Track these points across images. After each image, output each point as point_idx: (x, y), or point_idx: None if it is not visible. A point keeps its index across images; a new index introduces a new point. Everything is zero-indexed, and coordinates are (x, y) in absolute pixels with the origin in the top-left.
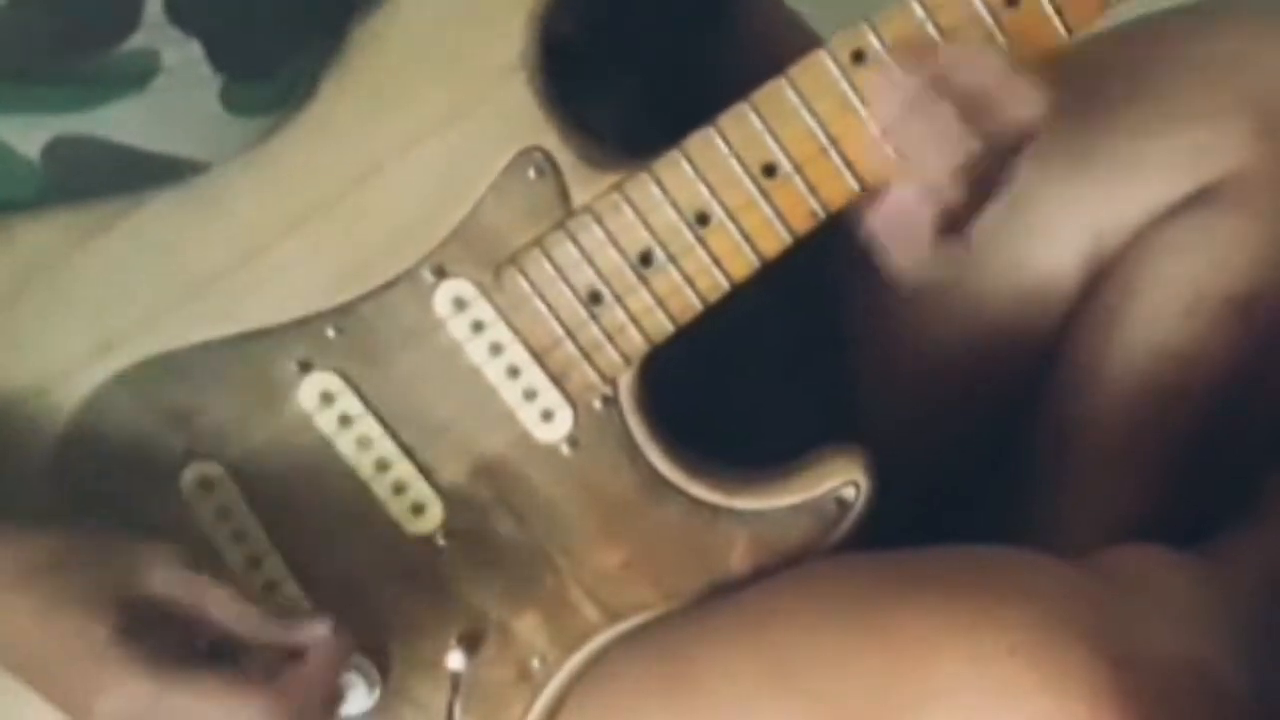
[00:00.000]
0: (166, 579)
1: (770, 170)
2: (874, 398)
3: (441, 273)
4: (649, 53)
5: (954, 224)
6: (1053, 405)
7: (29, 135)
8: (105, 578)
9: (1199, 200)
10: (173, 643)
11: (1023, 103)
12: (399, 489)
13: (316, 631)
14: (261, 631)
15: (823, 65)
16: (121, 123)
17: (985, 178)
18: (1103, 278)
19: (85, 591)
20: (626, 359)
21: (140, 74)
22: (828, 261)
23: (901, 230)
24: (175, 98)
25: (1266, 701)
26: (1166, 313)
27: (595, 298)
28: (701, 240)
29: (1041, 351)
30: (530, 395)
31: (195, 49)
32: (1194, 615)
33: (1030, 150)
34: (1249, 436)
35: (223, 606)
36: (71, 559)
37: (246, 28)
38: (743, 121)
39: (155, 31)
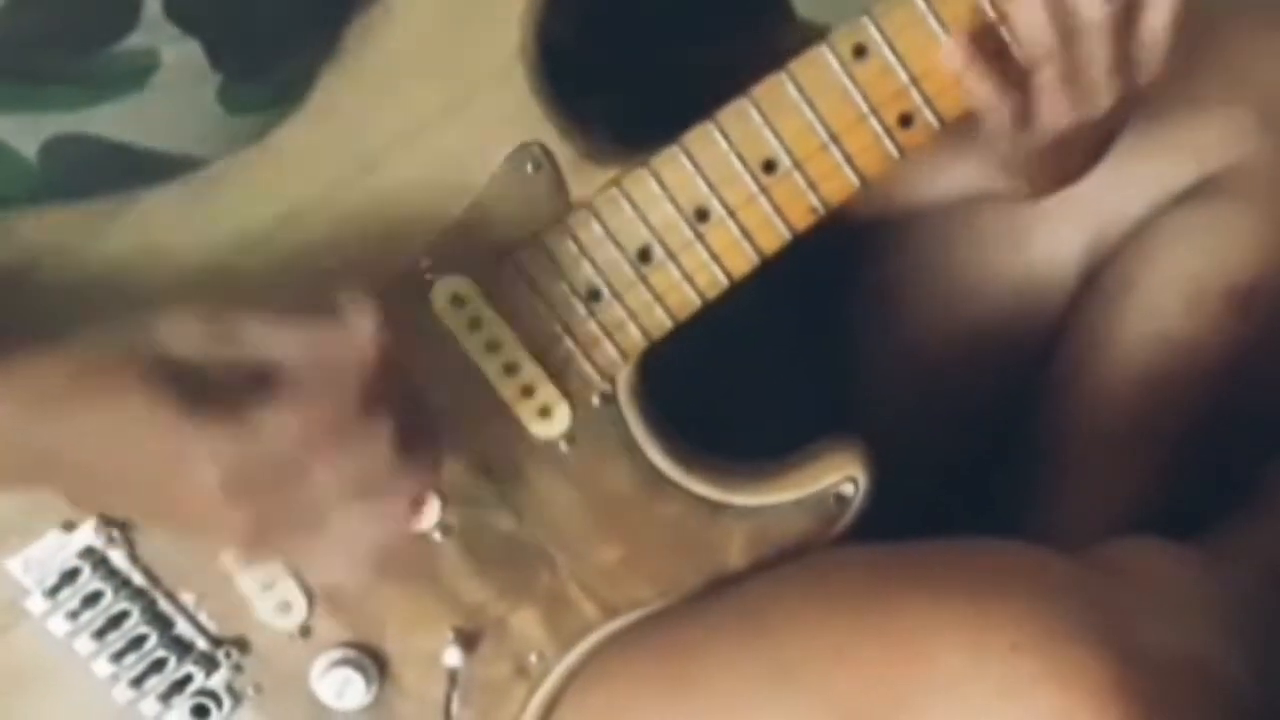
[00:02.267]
0: (197, 333)
1: (770, 166)
2: (873, 391)
3: (439, 268)
4: (648, 49)
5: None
6: (1052, 397)
7: (27, 134)
8: (145, 356)
9: (1200, 191)
10: (230, 393)
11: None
12: None
13: (352, 302)
14: (308, 337)
15: (824, 60)
16: (120, 121)
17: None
18: (1103, 268)
19: (130, 378)
20: (625, 355)
21: (139, 72)
22: (827, 256)
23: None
24: (173, 96)
25: (1267, 693)
26: (1167, 304)
27: (594, 294)
28: (701, 236)
29: (1041, 343)
30: (528, 392)
31: (194, 47)
32: (1194, 608)
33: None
34: (1249, 428)
35: (261, 330)
36: (100, 357)
37: (245, 26)
38: (743, 116)
39: (154, 30)
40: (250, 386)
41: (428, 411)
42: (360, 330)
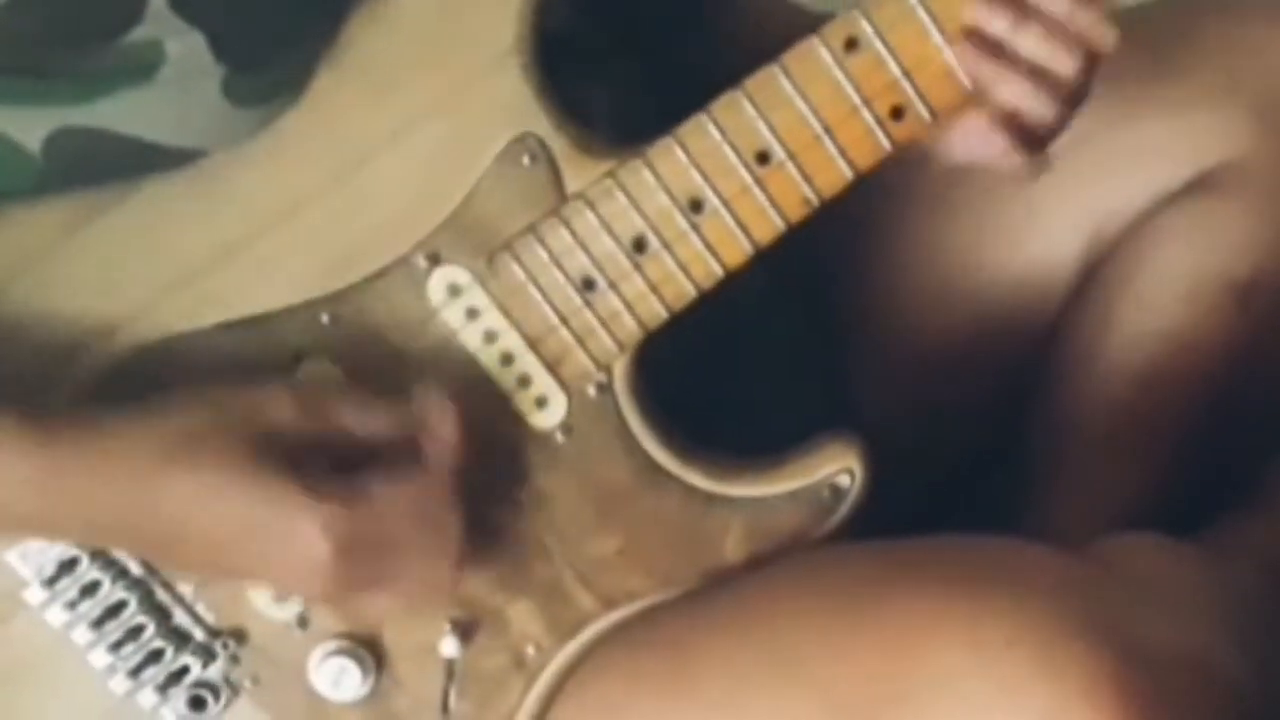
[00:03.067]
0: (293, 407)
1: (764, 157)
2: (871, 385)
3: (435, 260)
4: (642, 39)
5: (1033, 143)
6: (1051, 392)
7: (30, 127)
8: (244, 430)
9: (1199, 186)
10: (326, 467)
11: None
12: None
13: (432, 400)
14: (395, 421)
15: (816, 53)
16: (125, 114)
17: (1072, 95)
18: (1102, 264)
19: (230, 450)
20: (621, 346)
21: (145, 65)
22: (823, 248)
23: (981, 152)
24: (178, 89)
25: (1267, 691)
26: (1166, 299)
27: (589, 284)
28: (695, 227)
29: (1040, 338)
30: (524, 382)
31: (198, 40)
32: (1193, 605)
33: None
34: (1248, 423)
35: (352, 410)
36: (194, 426)
37: (249, 17)
38: (736, 108)
39: (159, 22)
40: (341, 462)
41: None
42: (449, 421)
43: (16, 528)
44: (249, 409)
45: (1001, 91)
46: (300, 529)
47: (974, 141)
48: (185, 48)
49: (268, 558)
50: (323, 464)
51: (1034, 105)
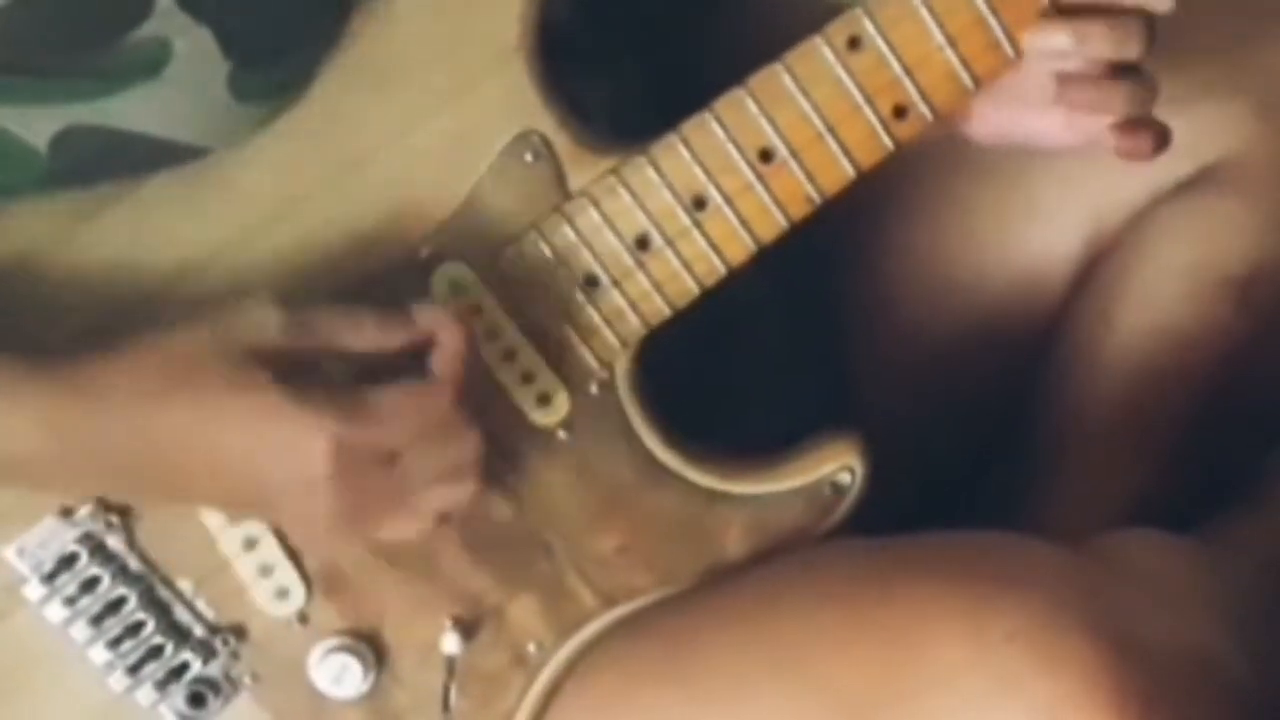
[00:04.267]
0: (286, 323)
1: (767, 155)
2: (870, 382)
3: (439, 256)
4: (644, 36)
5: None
6: (1050, 388)
7: (38, 125)
8: (232, 348)
9: (1198, 182)
10: (323, 383)
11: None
12: None
13: (434, 316)
14: (389, 335)
15: (819, 51)
16: (132, 111)
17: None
18: (1101, 259)
19: (224, 370)
20: (623, 343)
21: (152, 62)
22: (823, 245)
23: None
24: (185, 85)
25: (1265, 685)
26: (1165, 294)
27: (592, 281)
28: (698, 224)
29: (1039, 334)
30: (527, 379)
31: (205, 36)
32: (1192, 600)
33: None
34: (1247, 419)
35: (344, 326)
36: (187, 352)
37: (256, 14)
38: (739, 106)
39: (166, 19)
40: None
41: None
42: (453, 332)
43: (23, 474)
44: (242, 329)
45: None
46: (300, 442)
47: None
48: (192, 44)
49: (269, 478)
50: (319, 380)
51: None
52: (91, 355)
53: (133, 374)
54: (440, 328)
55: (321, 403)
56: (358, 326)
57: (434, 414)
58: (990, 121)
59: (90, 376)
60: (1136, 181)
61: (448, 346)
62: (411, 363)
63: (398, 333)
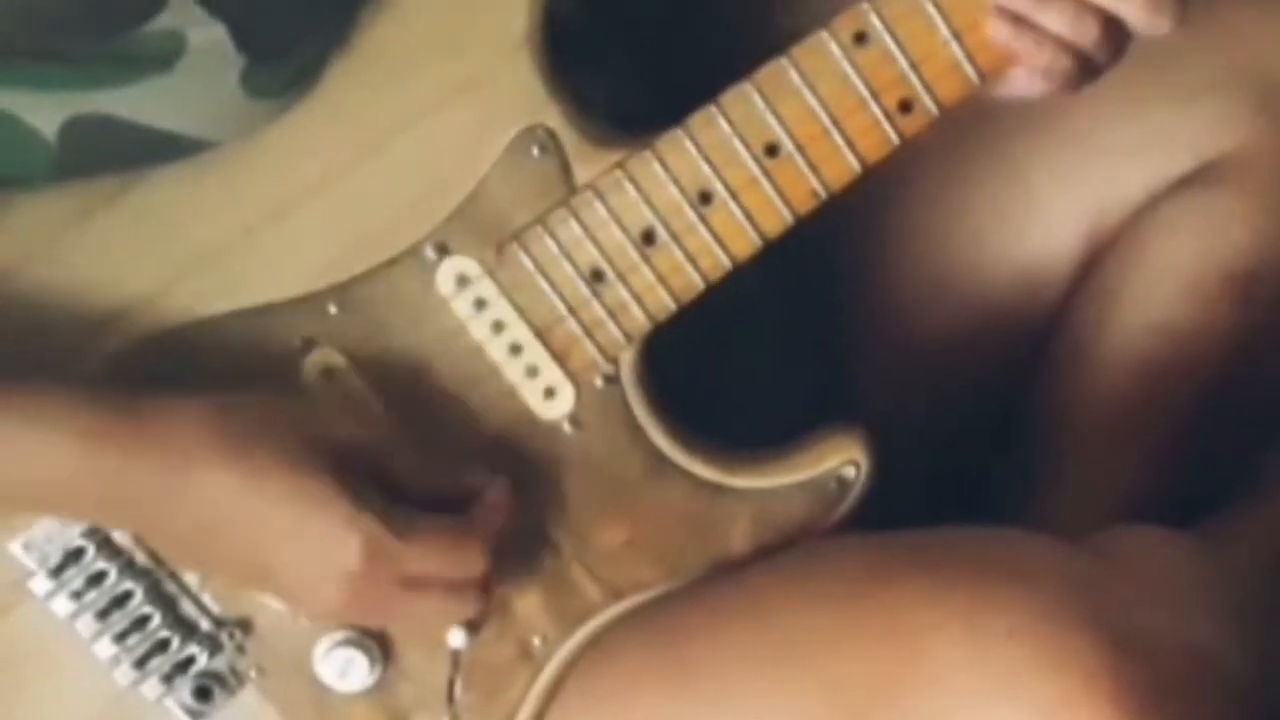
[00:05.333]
0: (349, 425)
1: (772, 150)
2: (873, 376)
3: (444, 250)
4: (650, 30)
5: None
6: (1051, 383)
7: (47, 113)
8: (303, 433)
9: (1199, 177)
10: (375, 488)
11: None
12: None
13: (485, 481)
14: (443, 477)
15: (825, 46)
16: (143, 103)
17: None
18: (1102, 255)
19: (288, 448)
20: (628, 337)
21: (166, 55)
22: (826, 240)
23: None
24: (198, 79)
25: (1266, 681)
26: (1166, 290)
27: (597, 275)
28: (704, 219)
29: (1040, 329)
30: (532, 373)
31: (220, 30)
32: (1193, 597)
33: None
34: (1248, 415)
35: (406, 451)
36: (255, 418)
37: (271, 8)
38: (745, 101)
39: (181, 12)
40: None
41: None
42: (504, 499)
43: (44, 498)
44: (312, 417)
45: (1036, 57)
46: (339, 535)
47: (1019, 88)
48: (206, 38)
49: (296, 559)
50: (371, 484)
51: (1070, 65)
52: (154, 397)
53: (195, 430)
54: (497, 492)
55: (372, 506)
56: (423, 466)
57: (465, 561)
58: None
59: (129, 416)
60: (1136, 177)
61: (494, 506)
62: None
63: (455, 480)
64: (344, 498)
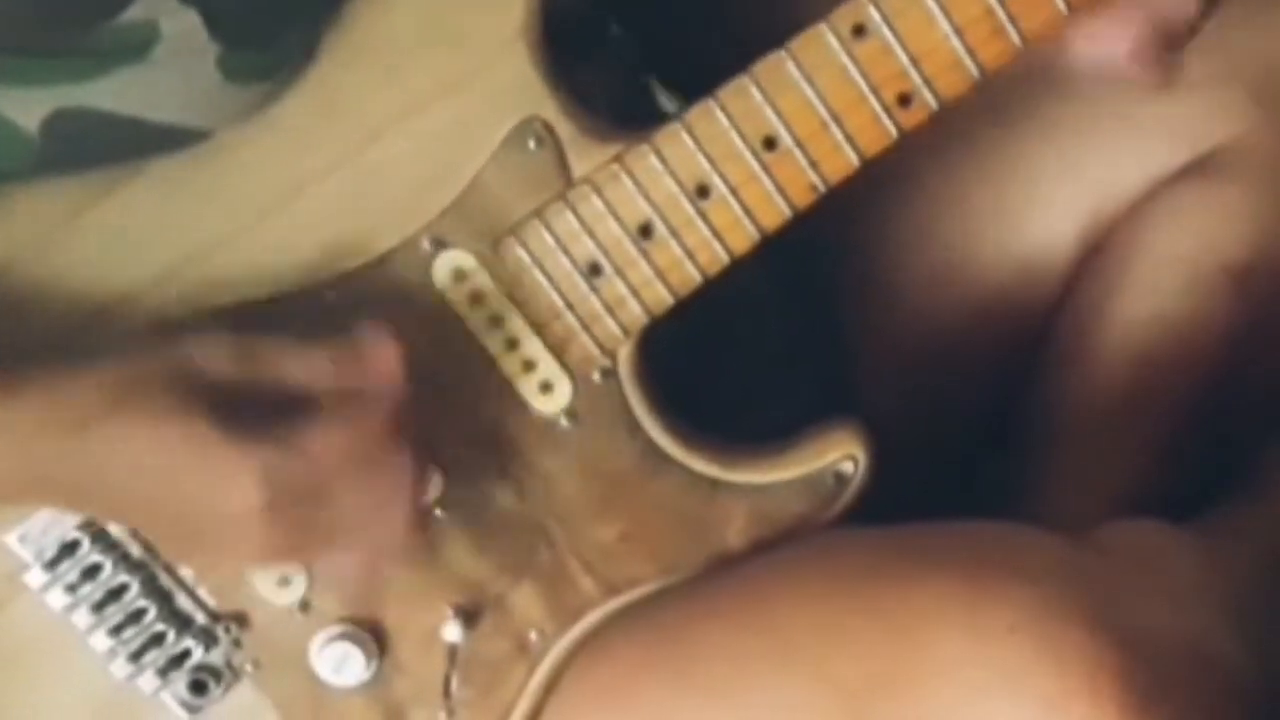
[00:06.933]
0: (228, 353)
1: (771, 143)
2: (871, 371)
3: (441, 243)
4: (648, 22)
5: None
6: (1050, 377)
7: (27, 108)
8: (178, 377)
9: (1196, 169)
10: (258, 413)
11: None
12: None
13: (371, 337)
14: (340, 369)
15: (824, 39)
16: (120, 94)
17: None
18: (1100, 248)
19: (160, 396)
20: (626, 331)
21: (139, 45)
22: (823, 233)
23: (1110, 51)
24: (173, 67)
25: (1267, 676)
26: (1163, 283)
27: (595, 269)
28: (702, 213)
29: (1038, 323)
30: (529, 367)
31: (193, 18)
32: (1193, 591)
33: None
34: (1247, 408)
35: (290, 355)
36: (130, 375)
37: None
38: (743, 94)
39: (153, 2)
40: (280, 408)
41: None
42: (388, 361)
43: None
44: (185, 357)
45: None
46: (230, 477)
47: (1105, 38)
48: (179, 26)
49: (205, 512)
50: (258, 413)
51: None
52: (49, 363)
53: (80, 390)
54: (377, 355)
55: (253, 434)
56: (306, 358)
57: (371, 446)
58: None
59: (39, 388)
60: (1135, 169)
61: (383, 374)
62: None
63: (350, 367)
64: (219, 433)
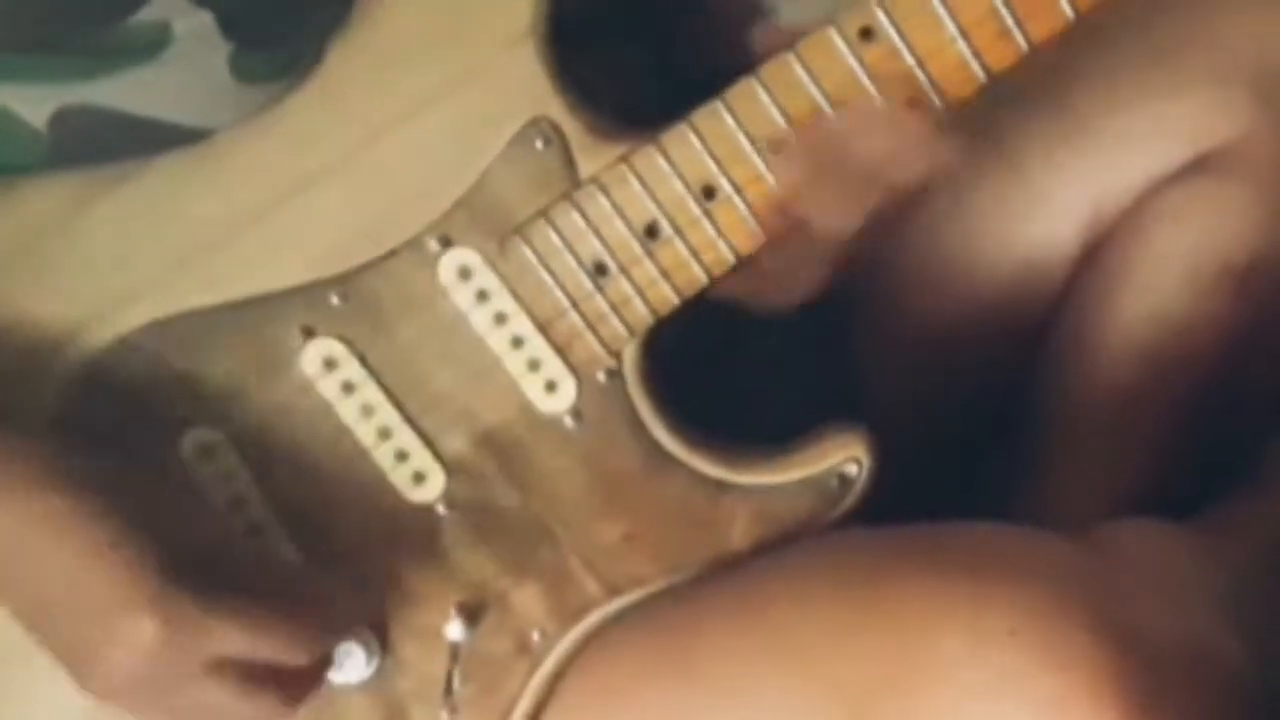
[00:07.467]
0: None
1: (778, 145)
2: (874, 372)
3: (447, 242)
4: (654, 22)
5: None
6: (1051, 377)
7: (37, 104)
8: (156, 523)
9: (1197, 168)
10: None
11: (918, 157)
12: (400, 457)
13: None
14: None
15: (830, 41)
16: (131, 92)
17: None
18: (1101, 247)
19: (135, 540)
20: (631, 331)
21: (151, 44)
22: None
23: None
24: (185, 67)
25: (1267, 676)
26: (1164, 282)
27: (601, 269)
28: (708, 213)
29: (1039, 323)
30: (534, 366)
31: (206, 19)
32: (1194, 590)
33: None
34: (1248, 406)
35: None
36: (123, 503)
37: None
38: (750, 95)
39: (166, 2)
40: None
41: None
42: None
43: None
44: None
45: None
46: (135, 601)
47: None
48: (193, 26)
49: (82, 614)
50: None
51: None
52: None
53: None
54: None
55: (183, 582)
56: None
57: (287, 644)
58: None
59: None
60: (1135, 169)
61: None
62: None
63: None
64: (155, 566)
